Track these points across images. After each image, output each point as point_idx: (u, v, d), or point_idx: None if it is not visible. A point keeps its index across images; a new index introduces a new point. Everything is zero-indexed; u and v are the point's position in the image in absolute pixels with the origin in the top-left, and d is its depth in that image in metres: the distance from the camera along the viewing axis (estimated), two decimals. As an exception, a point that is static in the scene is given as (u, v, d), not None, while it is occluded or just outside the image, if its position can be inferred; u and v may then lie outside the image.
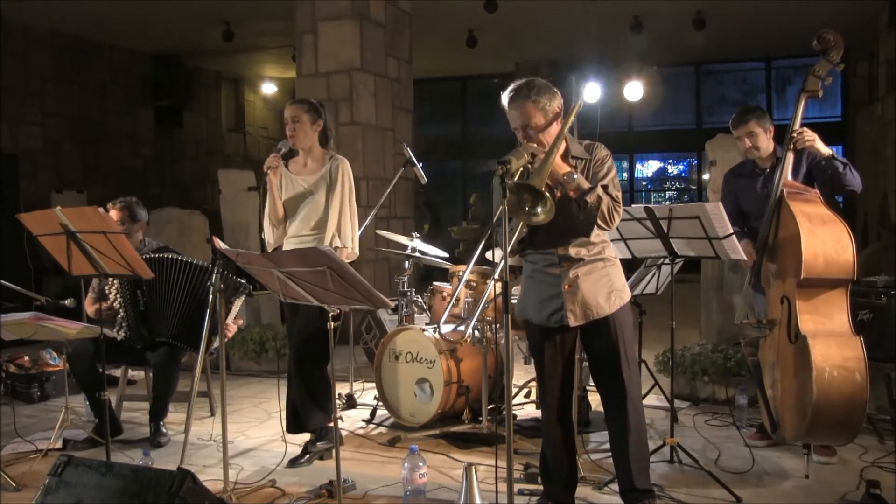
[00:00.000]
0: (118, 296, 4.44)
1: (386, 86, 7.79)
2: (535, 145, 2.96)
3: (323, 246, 3.75)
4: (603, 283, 3.09)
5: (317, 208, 3.97)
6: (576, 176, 2.92)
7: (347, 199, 4.00)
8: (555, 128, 3.04)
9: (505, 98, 3.06)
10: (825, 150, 3.82)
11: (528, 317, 3.22)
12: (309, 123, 3.98)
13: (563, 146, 2.99)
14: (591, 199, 2.91)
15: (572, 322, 3.07)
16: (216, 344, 4.05)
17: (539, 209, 2.71)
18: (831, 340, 3.37)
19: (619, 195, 3.04)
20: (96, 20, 10.34)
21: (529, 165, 2.90)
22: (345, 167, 4.01)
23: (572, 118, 3.09)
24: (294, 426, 4.09)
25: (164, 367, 4.42)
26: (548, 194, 2.71)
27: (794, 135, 3.76)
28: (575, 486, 3.28)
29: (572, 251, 3.07)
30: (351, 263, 3.85)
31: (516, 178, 2.84)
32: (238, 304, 4.44)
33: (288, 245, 4.00)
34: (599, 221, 2.97)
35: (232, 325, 4.51)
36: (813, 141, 3.77)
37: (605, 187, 2.97)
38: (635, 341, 3.21)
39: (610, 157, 3.10)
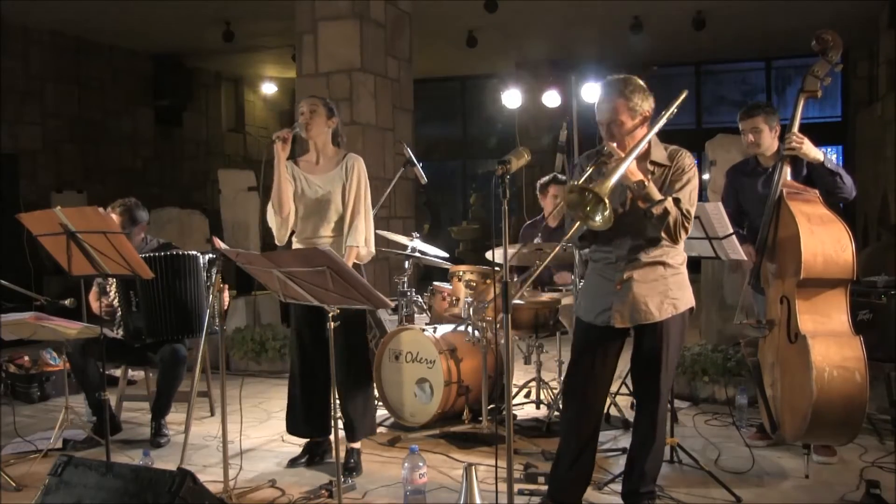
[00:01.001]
0: (117, 294, 4.44)
1: (386, 86, 7.78)
2: (615, 145, 2.94)
3: (325, 246, 3.73)
4: (657, 288, 3.03)
5: (336, 209, 3.89)
6: (647, 185, 2.87)
7: (363, 198, 3.91)
8: (640, 131, 3.01)
9: (599, 89, 3.06)
10: (815, 154, 3.76)
11: (579, 314, 3.19)
12: (325, 117, 3.94)
13: (643, 149, 2.95)
14: (656, 211, 2.86)
15: (617, 323, 3.04)
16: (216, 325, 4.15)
17: (598, 216, 2.69)
18: (831, 340, 3.37)
19: (692, 210, 2.96)
20: (96, 20, 10.33)
21: (604, 165, 2.89)
22: (360, 165, 3.93)
23: (661, 123, 3.02)
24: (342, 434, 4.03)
25: (170, 363, 4.42)
26: (608, 203, 2.67)
27: (786, 139, 3.75)
28: (586, 487, 3.26)
29: (630, 252, 3.03)
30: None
31: (584, 178, 2.84)
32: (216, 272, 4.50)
33: (299, 246, 3.92)
34: (663, 234, 2.92)
35: (226, 292, 4.56)
36: (801, 146, 3.72)
37: (677, 200, 2.91)
38: (679, 353, 3.14)
39: (693, 167, 3.03)
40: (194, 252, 4.55)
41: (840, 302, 3.48)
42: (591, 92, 8.56)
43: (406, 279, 5.03)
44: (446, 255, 5.32)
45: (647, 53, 11.78)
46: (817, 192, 3.68)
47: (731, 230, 3.66)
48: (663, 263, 3.05)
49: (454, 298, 4.76)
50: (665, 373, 3.09)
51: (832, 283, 3.47)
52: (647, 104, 3.01)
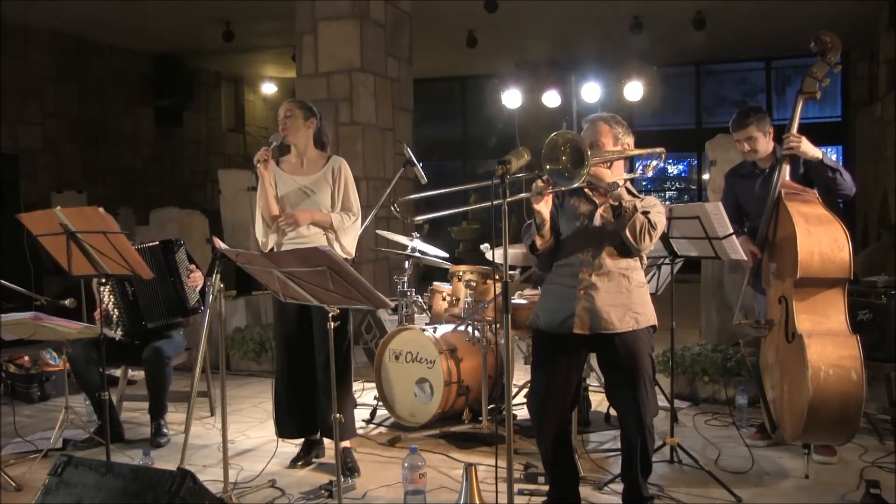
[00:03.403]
0: (111, 296, 4.45)
1: (386, 86, 7.79)
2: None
3: (325, 246, 3.73)
4: (620, 299, 3.04)
5: (323, 210, 3.90)
6: (620, 188, 2.98)
7: (352, 201, 3.94)
8: (618, 162, 3.15)
9: (588, 118, 3.21)
10: (813, 152, 3.77)
11: (538, 323, 3.17)
12: (302, 119, 3.94)
13: (622, 179, 3.08)
14: (627, 205, 2.94)
15: (577, 328, 3.03)
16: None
17: (569, 174, 2.78)
18: (828, 340, 3.37)
19: (659, 227, 3.01)
20: (96, 20, 10.34)
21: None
22: (346, 168, 3.97)
23: (637, 173, 3.22)
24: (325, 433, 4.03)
25: (153, 363, 4.43)
26: (586, 171, 2.76)
27: (784, 139, 3.75)
28: (576, 485, 3.27)
29: (596, 259, 3.06)
30: (351, 264, 3.83)
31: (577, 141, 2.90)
32: (182, 256, 4.62)
33: (288, 246, 3.91)
34: (629, 234, 2.95)
35: (197, 272, 4.67)
36: (798, 144, 3.73)
37: (645, 212, 2.97)
38: (650, 371, 3.09)
39: (663, 208, 3.12)
40: (169, 238, 4.69)
41: (838, 301, 3.48)
42: (591, 92, 8.60)
43: (406, 279, 5.03)
44: (446, 255, 5.32)
45: (647, 53, 11.78)
46: (816, 192, 3.68)
47: (731, 230, 3.67)
48: (627, 277, 3.08)
49: (454, 298, 4.76)
50: (640, 393, 3.00)
51: (829, 283, 3.47)
52: (628, 138, 3.16)
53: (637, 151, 3.18)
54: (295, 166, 4.02)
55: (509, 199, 2.74)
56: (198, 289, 4.65)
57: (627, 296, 3.06)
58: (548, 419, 3.11)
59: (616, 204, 2.97)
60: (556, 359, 3.10)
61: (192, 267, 4.68)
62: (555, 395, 3.09)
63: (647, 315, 3.10)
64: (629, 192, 3.11)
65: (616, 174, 3.11)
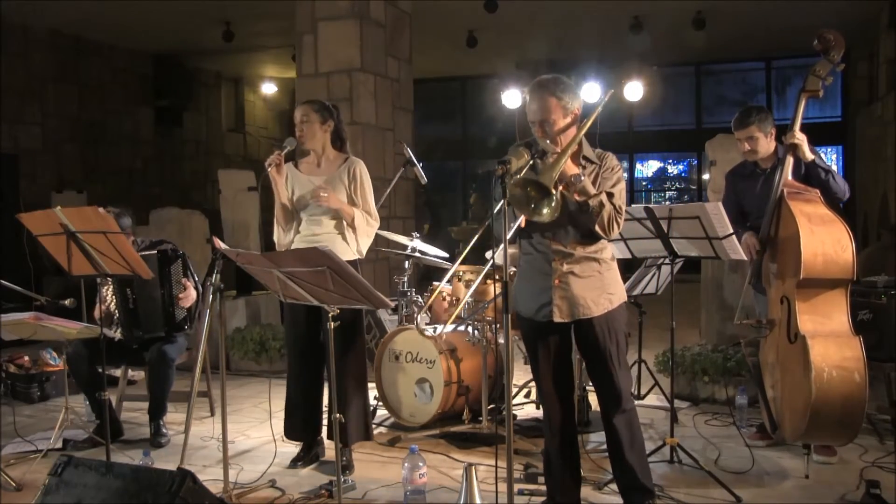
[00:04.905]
0: (114, 295, 4.45)
1: (386, 86, 7.78)
2: (549, 142, 2.97)
3: (325, 247, 3.72)
4: (594, 283, 3.08)
5: (334, 211, 3.89)
6: (583, 178, 2.94)
7: (370, 203, 3.96)
8: (571, 130, 3.05)
9: (528, 90, 3.08)
10: (808, 154, 3.77)
11: (519, 309, 3.21)
12: (318, 123, 3.93)
13: (576, 147, 3.00)
14: (593, 203, 2.94)
15: (557, 318, 3.07)
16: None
17: (545, 208, 2.72)
18: (830, 340, 3.36)
19: (623, 206, 3.03)
20: (96, 20, 10.34)
21: (539, 161, 2.89)
22: (363, 169, 3.96)
23: (590, 122, 3.08)
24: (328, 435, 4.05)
25: (158, 366, 4.43)
26: (555, 192, 2.71)
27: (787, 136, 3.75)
28: (579, 485, 3.27)
29: (567, 246, 3.07)
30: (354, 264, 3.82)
31: (525, 172, 2.82)
32: (177, 269, 4.52)
33: (300, 244, 3.89)
34: (598, 228, 2.97)
35: (190, 290, 4.54)
36: (802, 143, 3.73)
37: (610, 195, 2.98)
38: (625, 346, 3.19)
39: (620, 168, 3.13)
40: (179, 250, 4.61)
41: (840, 302, 3.48)
42: (591, 92, 8.60)
43: (406, 279, 5.02)
44: (446, 255, 5.32)
45: (647, 53, 11.79)
46: (818, 192, 3.68)
47: (731, 230, 3.66)
48: (598, 260, 3.11)
49: (454, 298, 4.75)
50: (618, 369, 3.10)
51: (832, 283, 3.46)
52: (576, 103, 3.07)
53: (590, 121, 3.07)
54: (312, 167, 4.02)
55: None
56: (186, 307, 4.52)
57: (600, 279, 3.10)
58: (552, 397, 3.18)
59: (583, 199, 2.95)
60: (546, 342, 3.15)
61: (187, 283, 4.53)
62: (553, 381, 3.16)
63: (619, 293, 3.17)
64: (586, 158, 3.07)
65: (569, 137, 3.01)
